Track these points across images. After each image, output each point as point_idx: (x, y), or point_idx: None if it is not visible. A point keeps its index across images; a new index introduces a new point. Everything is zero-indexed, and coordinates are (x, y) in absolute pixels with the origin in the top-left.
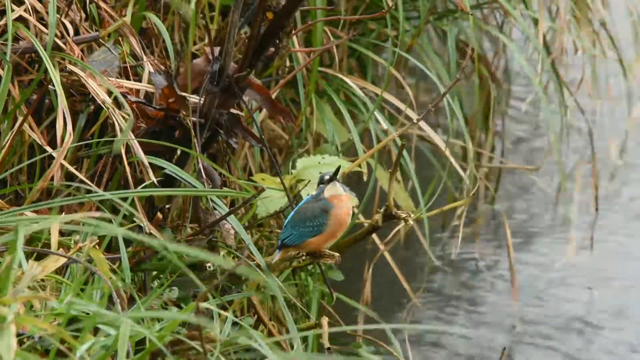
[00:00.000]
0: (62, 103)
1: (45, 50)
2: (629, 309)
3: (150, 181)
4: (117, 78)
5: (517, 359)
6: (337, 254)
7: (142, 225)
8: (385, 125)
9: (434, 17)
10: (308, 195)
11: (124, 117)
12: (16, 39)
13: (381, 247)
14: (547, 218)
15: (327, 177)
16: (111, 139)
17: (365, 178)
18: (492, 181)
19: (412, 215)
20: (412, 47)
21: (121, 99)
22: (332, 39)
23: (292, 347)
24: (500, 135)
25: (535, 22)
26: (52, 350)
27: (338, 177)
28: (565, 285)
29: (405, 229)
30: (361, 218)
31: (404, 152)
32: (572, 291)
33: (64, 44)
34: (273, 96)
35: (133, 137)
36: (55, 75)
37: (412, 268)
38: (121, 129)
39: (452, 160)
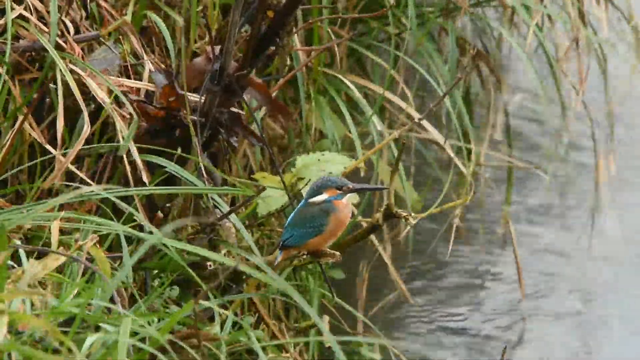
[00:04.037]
0: (79, 99)
1: (46, 49)
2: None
3: (151, 181)
4: (118, 77)
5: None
6: (337, 253)
7: (142, 224)
8: (379, 126)
9: (434, 15)
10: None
11: (124, 116)
12: (17, 37)
13: (379, 246)
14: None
15: (346, 185)
16: (114, 144)
17: (362, 174)
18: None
19: (412, 214)
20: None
21: (122, 97)
22: (333, 37)
23: (294, 347)
24: (502, 132)
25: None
26: (49, 349)
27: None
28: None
29: (406, 228)
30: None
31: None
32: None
33: (65, 42)
34: (273, 95)
35: (131, 139)
36: (66, 73)
37: (412, 268)
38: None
39: (456, 159)
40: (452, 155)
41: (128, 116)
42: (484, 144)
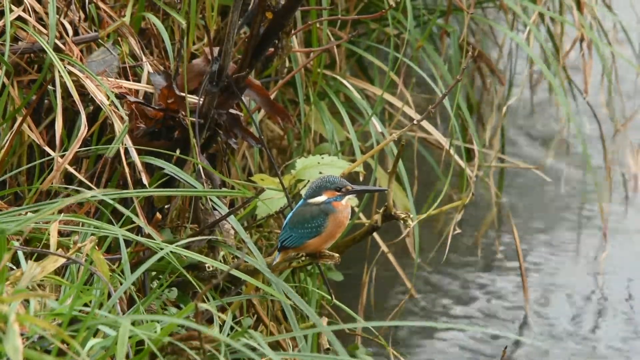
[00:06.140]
0: (76, 101)
1: (44, 51)
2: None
3: (149, 183)
4: (117, 78)
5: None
6: (336, 255)
7: (141, 226)
8: (380, 128)
9: (435, 17)
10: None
11: (122, 118)
12: (16, 39)
13: (384, 247)
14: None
15: (345, 186)
16: (110, 146)
17: (361, 178)
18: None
19: (411, 216)
20: (412, 46)
21: (115, 101)
22: (332, 39)
23: (292, 348)
24: (502, 132)
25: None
26: (53, 351)
27: (350, 189)
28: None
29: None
30: (362, 218)
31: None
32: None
33: (63, 44)
34: (272, 96)
35: (129, 141)
36: (65, 75)
37: (410, 269)
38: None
39: (457, 158)
40: (457, 158)
41: (127, 117)
42: (484, 144)
